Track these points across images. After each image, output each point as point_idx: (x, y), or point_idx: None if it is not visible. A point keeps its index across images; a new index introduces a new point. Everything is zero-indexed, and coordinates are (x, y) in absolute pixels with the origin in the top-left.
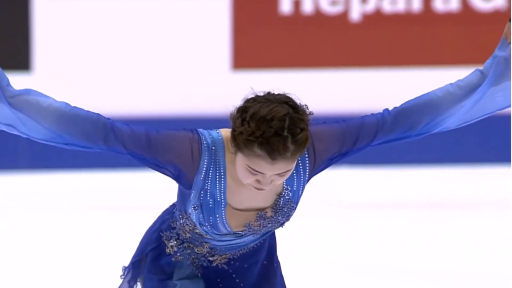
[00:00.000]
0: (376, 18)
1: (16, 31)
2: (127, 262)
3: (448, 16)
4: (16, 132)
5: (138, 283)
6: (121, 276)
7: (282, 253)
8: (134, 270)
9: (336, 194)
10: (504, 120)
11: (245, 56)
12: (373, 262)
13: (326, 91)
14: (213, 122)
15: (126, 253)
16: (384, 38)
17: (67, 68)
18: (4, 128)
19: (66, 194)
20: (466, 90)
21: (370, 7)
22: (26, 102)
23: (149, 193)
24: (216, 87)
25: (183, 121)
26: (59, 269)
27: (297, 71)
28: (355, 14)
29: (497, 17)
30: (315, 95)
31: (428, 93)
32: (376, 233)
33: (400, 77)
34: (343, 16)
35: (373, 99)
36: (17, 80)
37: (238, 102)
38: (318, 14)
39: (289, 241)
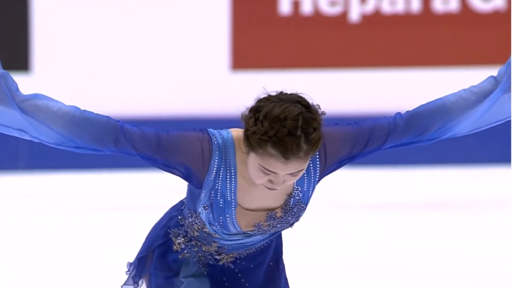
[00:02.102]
0: (375, 19)
1: (16, 31)
2: (127, 262)
3: (447, 17)
4: (27, 137)
5: (143, 280)
6: (126, 272)
7: (287, 254)
8: (139, 266)
9: (336, 195)
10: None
11: (244, 56)
12: (376, 262)
13: (325, 92)
14: (213, 123)
15: (126, 253)
16: (383, 39)
17: (67, 69)
18: (16, 134)
19: (66, 194)
20: (479, 96)
21: (369, 7)
22: (36, 107)
23: (149, 193)
24: (215, 88)
25: (182, 121)
26: (59, 269)
27: (296, 71)
28: (354, 14)
29: (497, 17)
30: (314, 95)
31: (441, 98)
32: (379, 233)
33: (400, 77)
34: (342, 16)
35: (373, 99)
36: (17, 81)
37: (239, 102)
38: (318, 15)
39: (294, 242)
